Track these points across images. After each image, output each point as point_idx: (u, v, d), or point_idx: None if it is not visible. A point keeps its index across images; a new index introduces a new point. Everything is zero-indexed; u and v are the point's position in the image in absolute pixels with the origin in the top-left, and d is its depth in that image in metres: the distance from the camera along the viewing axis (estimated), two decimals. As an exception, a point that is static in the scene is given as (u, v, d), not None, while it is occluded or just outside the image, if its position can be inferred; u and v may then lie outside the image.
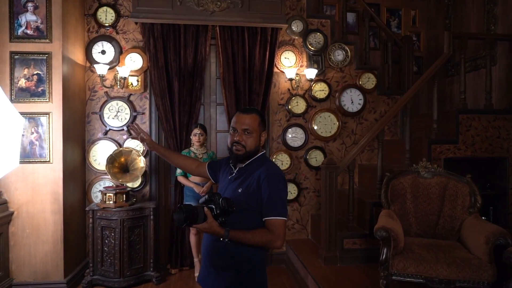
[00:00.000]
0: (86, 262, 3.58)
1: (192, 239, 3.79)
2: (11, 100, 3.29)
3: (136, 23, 3.93)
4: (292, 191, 4.21)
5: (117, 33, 4.01)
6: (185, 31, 3.98)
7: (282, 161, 4.20)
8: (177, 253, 3.98)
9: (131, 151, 3.67)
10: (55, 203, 3.36)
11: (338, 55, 4.29)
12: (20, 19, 3.31)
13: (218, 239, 1.59)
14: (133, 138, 1.84)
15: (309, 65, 4.25)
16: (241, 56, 4.05)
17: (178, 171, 3.76)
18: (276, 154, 4.20)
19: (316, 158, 4.24)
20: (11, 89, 3.29)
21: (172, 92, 3.98)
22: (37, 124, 3.33)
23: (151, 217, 3.66)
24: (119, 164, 3.65)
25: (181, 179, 3.76)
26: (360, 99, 4.29)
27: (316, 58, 4.26)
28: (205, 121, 4.26)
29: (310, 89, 4.24)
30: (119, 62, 3.95)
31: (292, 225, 4.27)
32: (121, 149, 3.69)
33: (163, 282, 3.69)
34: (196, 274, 3.76)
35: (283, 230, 1.66)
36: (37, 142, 3.34)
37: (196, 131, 3.77)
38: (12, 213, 3.30)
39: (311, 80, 4.09)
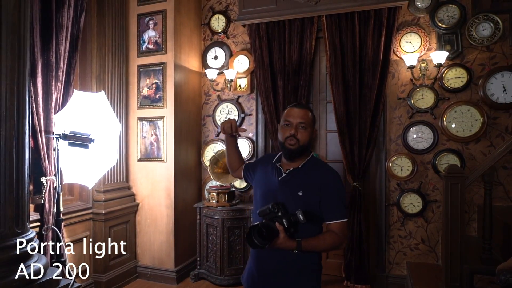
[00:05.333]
0: (196, 257, 3.83)
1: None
2: (137, 107, 3.83)
3: (243, 25, 3.98)
4: (415, 203, 3.45)
5: (228, 37, 4.15)
6: (290, 27, 3.78)
7: (402, 166, 3.48)
8: (280, 259, 3.81)
9: (233, 152, 3.72)
10: (168, 198, 3.72)
11: (484, 30, 3.25)
12: (144, 36, 3.81)
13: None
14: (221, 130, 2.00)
15: (440, 47, 3.38)
16: (350, 47, 3.56)
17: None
18: (394, 158, 3.51)
19: (449, 164, 3.33)
20: (137, 97, 3.83)
21: (276, 91, 3.84)
22: (155, 127, 3.77)
23: (251, 219, 3.62)
24: (223, 164, 3.76)
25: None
26: (518, 86, 3.16)
27: (449, 38, 3.36)
28: (314, 121, 3.94)
29: (440, 77, 3.37)
30: (229, 66, 4.09)
31: (415, 245, 3.50)
32: (223, 150, 3.79)
33: None
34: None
35: (346, 230, 1.76)
36: (155, 143, 3.77)
37: (298, 131, 3.52)
38: (138, 204, 3.83)
39: (439, 65, 3.24)
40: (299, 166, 1.70)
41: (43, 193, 2.85)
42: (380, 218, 3.61)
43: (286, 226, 1.51)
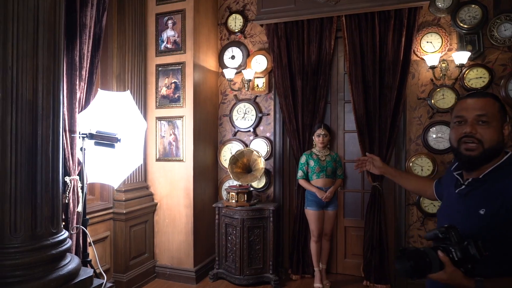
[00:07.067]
0: (214, 256, 3.83)
1: (313, 247, 3.56)
2: (156, 106, 3.82)
3: (261, 25, 3.97)
4: (435, 203, 3.45)
5: (245, 37, 4.15)
6: (309, 27, 3.79)
7: (422, 166, 3.49)
8: (298, 259, 3.81)
9: (252, 151, 3.72)
10: (187, 198, 3.71)
11: (506, 30, 3.25)
12: (162, 35, 3.80)
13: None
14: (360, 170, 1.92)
15: (460, 47, 3.39)
16: (370, 46, 3.57)
17: (299, 174, 3.59)
18: (414, 158, 3.52)
19: (470, 164, 3.34)
20: (156, 97, 3.82)
21: (295, 91, 3.84)
22: (174, 126, 3.76)
23: (271, 219, 3.62)
24: (242, 164, 3.76)
25: (302, 182, 3.59)
26: (541, 86, 3.16)
27: (471, 38, 3.36)
28: (332, 121, 3.95)
29: (461, 77, 3.37)
30: (246, 65, 4.08)
31: (435, 245, 3.50)
32: (242, 149, 3.79)
33: (281, 287, 3.60)
34: (316, 285, 3.51)
35: None
36: (174, 143, 3.76)
37: (320, 131, 3.53)
38: (156, 204, 3.82)
39: (461, 65, 3.25)
40: (480, 176, 1.25)
41: (67, 192, 2.84)
42: (400, 217, 3.61)
43: (456, 258, 1.11)
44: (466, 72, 3.35)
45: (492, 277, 1.12)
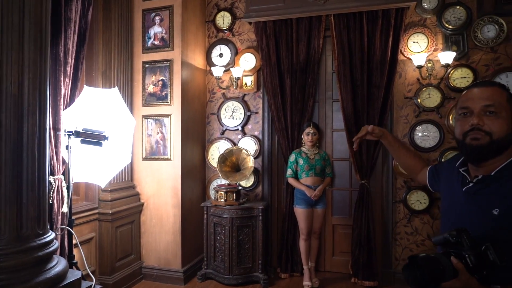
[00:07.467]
0: (202, 256, 3.78)
1: (302, 245, 3.56)
2: (142, 104, 3.74)
3: (250, 23, 3.95)
4: (421, 200, 3.52)
5: (233, 35, 4.12)
6: (297, 25, 3.79)
7: (409, 164, 3.54)
8: (287, 257, 3.81)
9: (241, 150, 3.70)
10: (174, 197, 3.65)
11: (489, 31, 3.35)
12: (149, 32, 3.73)
13: None
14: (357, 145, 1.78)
15: (446, 48, 3.46)
16: (358, 46, 3.60)
17: (289, 172, 3.59)
18: (402, 156, 3.58)
19: (455, 162, 3.42)
20: (142, 95, 3.74)
21: (284, 90, 3.84)
22: (161, 125, 3.69)
23: (260, 217, 3.60)
24: (231, 163, 3.73)
25: (291, 181, 3.59)
26: (522, 86, 3.26)
27: (456, 39, 3.44)
28: (320, 119, 3.97)
29: (446, 77, 3.45)
30: (234, 64, 4.05)
31: (422, 242, 3.57)
32: (231, 148, 3.76)
33: (271, 286, 3.59)
34: (305, 283, 3.52)
35: None
36: (161, 141, 3.69)
37: (309, 130, 3.54)
38: (142, 204, 3.74)
39: (447, 65, 3.32)
40: (492, 173, 1.16)
41: (51, 192, 2.74)
42: (387, 215, 3.66)
43: (471, 265, 1.01)
44: (451, 72, 3.43)
45: (507, 284, 1.04)
